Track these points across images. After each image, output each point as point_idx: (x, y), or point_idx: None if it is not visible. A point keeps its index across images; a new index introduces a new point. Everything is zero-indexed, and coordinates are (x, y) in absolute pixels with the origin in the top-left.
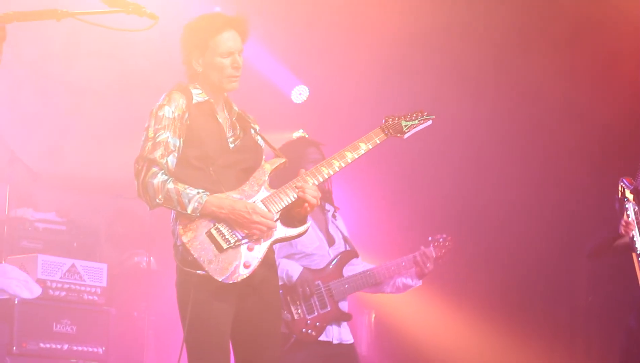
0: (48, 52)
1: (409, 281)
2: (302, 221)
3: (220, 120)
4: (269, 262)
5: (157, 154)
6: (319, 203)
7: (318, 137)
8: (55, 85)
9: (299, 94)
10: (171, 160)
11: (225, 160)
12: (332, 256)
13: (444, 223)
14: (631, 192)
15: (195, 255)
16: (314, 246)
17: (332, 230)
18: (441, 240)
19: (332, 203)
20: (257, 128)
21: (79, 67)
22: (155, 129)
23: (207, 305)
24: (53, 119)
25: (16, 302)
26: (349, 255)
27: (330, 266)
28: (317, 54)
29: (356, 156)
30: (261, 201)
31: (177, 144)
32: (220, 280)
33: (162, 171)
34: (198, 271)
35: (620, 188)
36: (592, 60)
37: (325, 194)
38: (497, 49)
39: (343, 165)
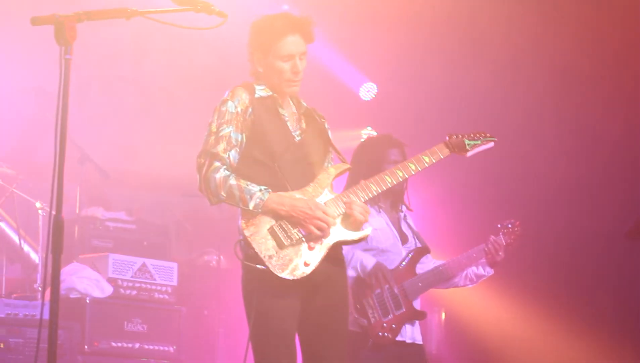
0: (117, 51)
1: (480, 270)
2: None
3: (284, 114)
4: (336, 259)
5: (220, 148)
6: (366, 219)
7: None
8: (124, 84)
9: (367, 91)
10: (233, 155)
11: (291, 154)
12: (404, 254)
13: (511, 213)
14: None
15: (256, 249)
16: (388, 243)
17: (404, 227)
18: (509, 226)
19: (405, 203)
20: (326, 125)
21: (148, 66)
22: (218, 124)
23: (270, 301)
24: (123, 118)
25: (88, 301)
26: (421, 252)
27: (403, 265)
28: (385, 51)
29: (419, 169)
30: (324, 203)
31: (240, 139)
32: (280, 275)
33: (225, 166)
34: (258, 266)
35: None
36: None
37: (400, 194)
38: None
39: (406, 176)
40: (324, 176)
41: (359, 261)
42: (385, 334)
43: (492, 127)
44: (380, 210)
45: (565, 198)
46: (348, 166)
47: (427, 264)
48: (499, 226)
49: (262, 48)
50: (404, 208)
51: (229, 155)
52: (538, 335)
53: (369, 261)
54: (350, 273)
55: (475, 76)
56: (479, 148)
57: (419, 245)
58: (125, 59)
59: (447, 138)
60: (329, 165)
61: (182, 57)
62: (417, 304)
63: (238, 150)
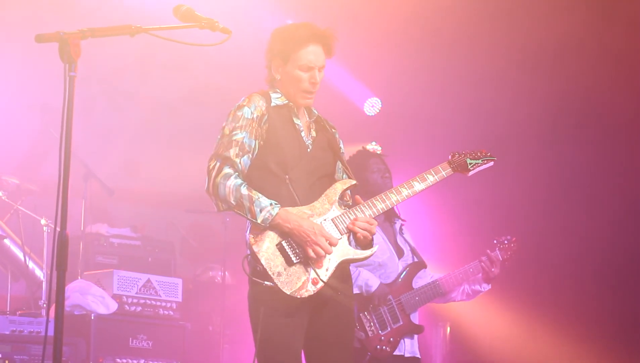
0: (122, 68)
1: (477, 287)
2: (368, 245)
3: (298, 123)
4: (343, 274)
5: (232, 153)
6: (373, 232)
7: (391, 148)
8: (129, 100)
9: (372, 106)
10: (245, 161)
11: (303, 166)
12: (401, 269)
13: (512, 228)
14: None
15: (265, 266)
16: (385, 257)
17: (400, 241)
18: (506, 242)
19: (398, 216)
20: (337, 135)
21: (153, 82)
22: (232, 128)
23: (277, 319)
24: (127, 134)
25: (92, 318)
26: (417, 267)
27: (400, 279)
28: (390, 66)
29: (424, 187)
30: (332, 219)
31: (252, 146)
32: (288, 293)
33: (236, 173)
34: (266, 283)
35: None
36: None
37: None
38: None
39: (411, 194)
40: (331, 192)
41: (365, 281)
42: (384, 347)
43: (495, 141)
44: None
45: (566, 211)
46: (354, 182)
47: (424, 278)
48: (495, 241)
49: (283, 55)
50: (398, 221)
51: (240, 161)
52: (543, 348)
53: (374, 282)
54: (354, 291)
55: (479, 92)
56: (480, 167)
57: (415, 259)
58: (130, 75)
59: (450, 156)
60: (336, 181)
61: (186, 74)
62: (415, 318)
63: (250, 156)
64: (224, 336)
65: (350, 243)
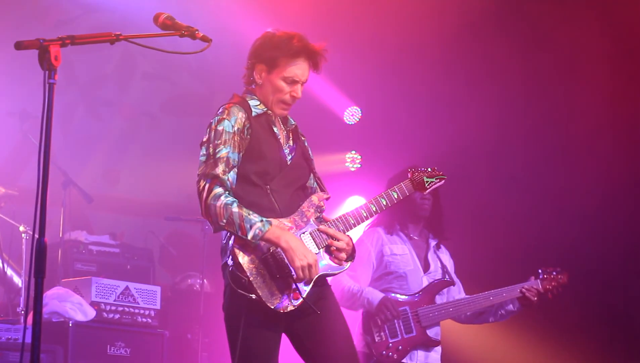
0: (102, 75)
1: (510, 307)
2: (348, 259)
3: (277, 132)
4: (320, 281)
5: (219, 170)
6: (349, 247)
7: (370, 158)
8: (109, 108)
9: (352, 115)
10: (232, 176)
11: (283, 177)
12: (425, 283)
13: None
14: None
15: (251, 278)
16: (407, 269)
17: (430, 257)
18: (554, 273)
19: (440, 234)
20: (306, 143)
21: (133, 90)
22: (214, 145)
23: (257, 331)
24: (106, 141)
25: (70, 325)
26: (443, 283)
27: (421, 292)
28: (370, 75)
29: (389, 204)
30: (309, 233)
31: (237, 159)
32: (272, 307)
33: (227, 191)
34: (251, 295)
35: None
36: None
37: (430, 224)
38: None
39: (378, 211)
40: (308, 205)
41: (366, 298)
42: (390, 354)
43: (479, 157)
44: (407, 238)
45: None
46: (328, 195)
47: (448, 296)
48: (540, 270)
49: (269, 62)
50: (436, 240)
51: (228, 177)
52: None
53: (375, 297)
54: (360, 308)
55: (460, 101)
56: (434, 185)
57: (444, 276)
58: (109, 83)
59: (409, 174)
60: (311, 192)
61: (166, 82)
62: (434, 332)
63: (236, 170)
64: (203, 344)
65: (324, 258)
